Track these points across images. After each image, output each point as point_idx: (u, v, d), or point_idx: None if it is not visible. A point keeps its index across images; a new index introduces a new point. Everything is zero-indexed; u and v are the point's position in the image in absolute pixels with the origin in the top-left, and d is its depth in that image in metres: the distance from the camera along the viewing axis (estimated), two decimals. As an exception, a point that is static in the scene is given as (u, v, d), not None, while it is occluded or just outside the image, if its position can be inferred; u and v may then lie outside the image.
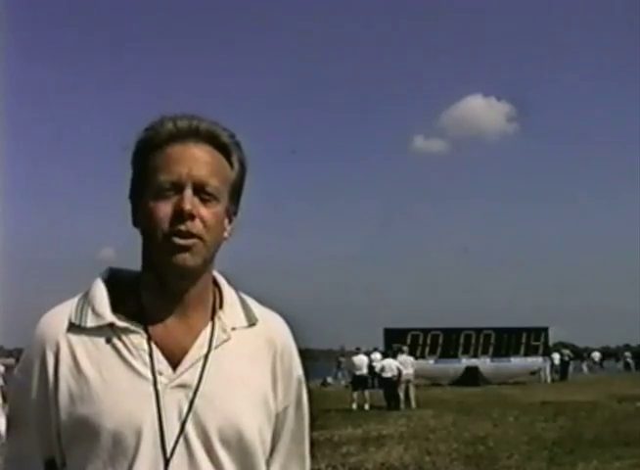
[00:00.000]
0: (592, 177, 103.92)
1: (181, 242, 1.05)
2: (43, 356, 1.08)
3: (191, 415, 1.06)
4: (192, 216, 1.05)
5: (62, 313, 1.11)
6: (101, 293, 1.11)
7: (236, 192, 1.14)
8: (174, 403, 1.06)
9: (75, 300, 1.13)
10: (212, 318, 1.13)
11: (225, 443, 1.07)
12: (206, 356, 1.09)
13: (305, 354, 1.26)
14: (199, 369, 1.08)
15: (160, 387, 1.05)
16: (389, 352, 19.46)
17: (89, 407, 1.04)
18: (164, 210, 1.06)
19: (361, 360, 18.39)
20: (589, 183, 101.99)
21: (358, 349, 21.23)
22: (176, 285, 1.09)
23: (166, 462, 1.04)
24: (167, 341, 1.09)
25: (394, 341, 22.63)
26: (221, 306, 1.15)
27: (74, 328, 1.09)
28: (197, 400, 1.06)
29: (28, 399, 1.09)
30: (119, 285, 1.13)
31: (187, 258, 1.06)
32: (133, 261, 1.15)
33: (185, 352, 1.09)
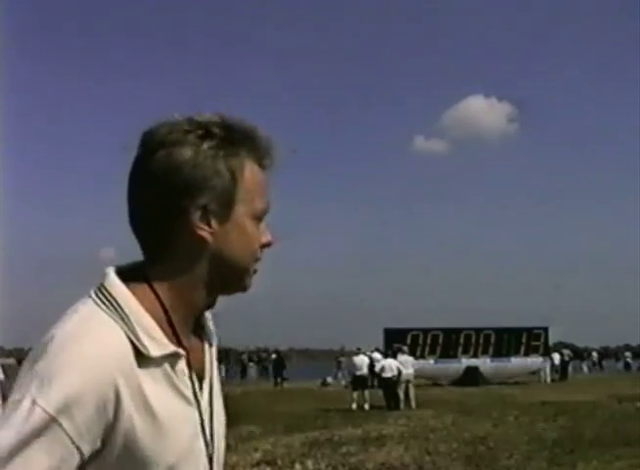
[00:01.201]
0: (592, 178, 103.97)
1: (256, 268, 1.07)
2: (101, 394, 0.90)
3: (215, 435, 1.06)
4: None
5: (114, 343, 0.94)
6: (143, 313, 0.98)
7: None
8: (207, 425, 1.05)
9: (118, 322, 0.95)
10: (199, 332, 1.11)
11: (222, 456, 1.11)
12: (211, 373, 1.09)
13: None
14: (208, 387, 1.07)
15: (202, 410, 1.04)
16: (389, 352, 19.47)
17: (155, 443, 0.95)
18: (260, 238, 1.06)
19: (361, 360, 18.39)
20: (589, 184, 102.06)
21: (359, 349, 21.25)
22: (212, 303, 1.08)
23: None
24: (194, 360, 1.04)
25: (394, 341, 22.60)
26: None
27: (140, 358, 0.95)
28: (214, 419, 1.06)
29: (67, 441, 0.89)
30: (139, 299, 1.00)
31: (251, 283, 1.08)
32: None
33: (202, 370, 1.07)
